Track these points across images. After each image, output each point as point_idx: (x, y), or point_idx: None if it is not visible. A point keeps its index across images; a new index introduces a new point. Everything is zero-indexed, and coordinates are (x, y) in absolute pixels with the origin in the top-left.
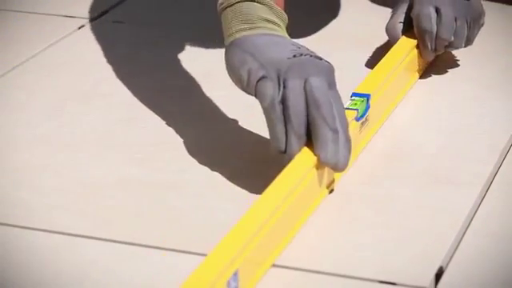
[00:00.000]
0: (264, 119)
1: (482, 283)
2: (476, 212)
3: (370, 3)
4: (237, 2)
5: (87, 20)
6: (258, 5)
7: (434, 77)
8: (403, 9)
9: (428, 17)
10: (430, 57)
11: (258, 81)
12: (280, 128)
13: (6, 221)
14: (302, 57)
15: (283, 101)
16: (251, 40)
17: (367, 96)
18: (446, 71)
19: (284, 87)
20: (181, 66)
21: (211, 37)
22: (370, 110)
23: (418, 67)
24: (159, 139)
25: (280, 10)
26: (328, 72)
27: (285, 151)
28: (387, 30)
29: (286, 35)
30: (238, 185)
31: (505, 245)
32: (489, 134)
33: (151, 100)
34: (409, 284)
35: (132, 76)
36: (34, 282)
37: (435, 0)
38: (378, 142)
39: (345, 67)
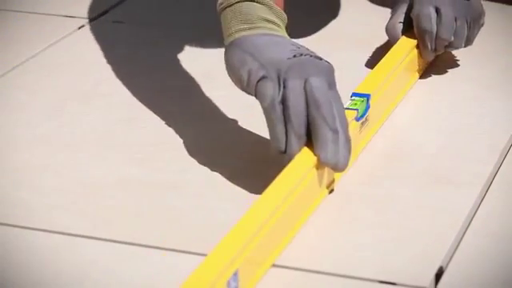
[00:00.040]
0: (264, 119)
1: (482, 283)
2: (476, 212)
3: (370, 3)
4: (236, 2)
5: (87, 20)
6: (258, 5)
7: (433, 77)
8: (403, 9)
9: (428, 17)
10: (430, 57)
11: (258, 81)
12: (280, 128)
13: (6, 221)
14: (302, 57)
15: (283, 101)
16: (251, 40)
17: (367, 96)
18: (446, 71)
19: (284, 87)
20: (181, 66)
21: (211, 37)
22: (370, 109)
23: (418, 67)
24: (159, 139)
25: (279, 9)
26: (328, 72)
27: (285, 151)
28: (387, 30)
29: (286, 35)
30: (238, 185)
31: (505, 245)
32: (489, 134)
33: (151, 100)
34: (409, 284)
35: (132, 76)
36: (33, 281)
37: (435, 0)
38: (378, 142)
39: (345, 67)
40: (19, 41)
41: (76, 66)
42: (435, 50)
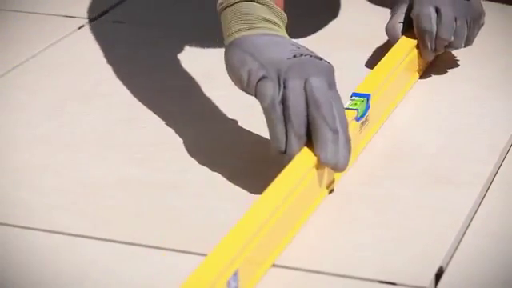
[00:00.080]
0: (264, 119)
1: (482, 283)
2: (476, 212)
3: (369, 3)
4: (236, 2)
5: (87, 20)
6: (258, 5)
7: (433, 77)
8: (403, 9)
9: (428, 17)
10: (430, 57)
11: (258, 81)
12: (280, 128)
13: (6, 221)
14: (302, 57)
15: (283, 101)
16: (251, 40)
17: (367, 96)
18: (446, 71)
19: (284, 87)
20: (181, 66)
21: (211, 37)
22: (370, 109)
23: (418, 67)
24: (159, 139)
25: (280, 9)
26: (328, 72)
27: (285, 151)
28: (387, 30)
29: (286, 35)
30: (238, 185)
31: (505, 245)
32: (489, 134)
33: (151, 100)
34: (409, 284)
35: (132, 76)
36: (33, 281)
37: (435, 0)
38: (378, 142)
39: (345, 67)
40: (19, 41)
41: (76, 66)
42: (435, 50)
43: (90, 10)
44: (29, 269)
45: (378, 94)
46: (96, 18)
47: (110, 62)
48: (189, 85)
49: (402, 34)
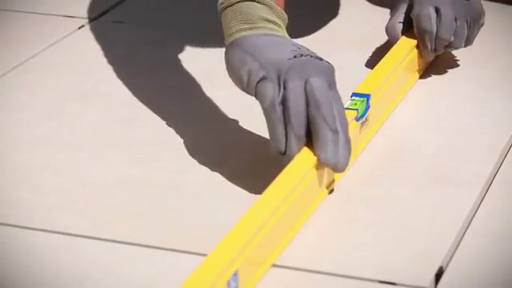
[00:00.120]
0: (264, 119)
1: (482, 283)
2: (476, 212)
3: (369, 3)
4: (237, 2)
5: (87, 20)
6: (258, 5)
7: (433, 77)
8: (403, 9)
9: (428, 17)
10: (430, 57)
11: (258, 81)
12: (280, 129)
13: (6, 221)
14: (303, 57)
15: (283, 102)
16: (251, 40)
17: (367, 96)
18: (446, 71)
19: (284, 88)
20: (181, 66)
21: (211, 37)
22: (370, 109)
23: (418, 67)
24: (159, 139)
25: (280, 9)
26: (328, 72)
27: (284, 152)
28: (387, 30)
29: (287, 35)
30: (238, 185)
31: (505, 245)
32: (489, 134)
33: (151, 100)
34: (409, 284)
35: (132, 76)
36: (33, 281)
37: (435, 0)
38: (378, 142)
39: (345, 67)
40: (19, 41)
41: (76, 66)
42: (435, 49)
43: (90, 9)
44: (29, 269)
45: (378, 94)
46: (96, 17)
47: (110, 61)
48: (189, 85)
49: (402, 34)
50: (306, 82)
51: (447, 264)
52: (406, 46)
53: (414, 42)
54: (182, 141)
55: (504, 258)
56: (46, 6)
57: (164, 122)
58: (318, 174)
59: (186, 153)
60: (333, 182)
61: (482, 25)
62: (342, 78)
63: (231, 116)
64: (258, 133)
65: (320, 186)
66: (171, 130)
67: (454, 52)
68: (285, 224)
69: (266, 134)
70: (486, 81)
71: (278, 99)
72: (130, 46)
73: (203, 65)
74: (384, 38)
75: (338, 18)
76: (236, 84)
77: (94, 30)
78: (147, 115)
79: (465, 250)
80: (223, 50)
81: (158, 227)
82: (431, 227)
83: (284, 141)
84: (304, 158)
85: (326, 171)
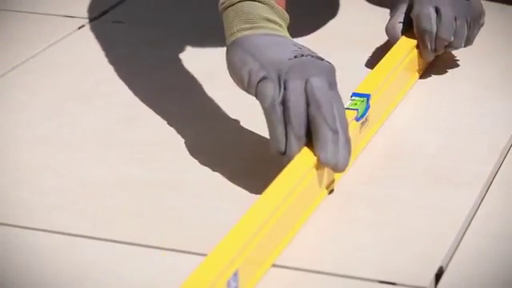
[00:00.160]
0: (265, 119)
1: (482, 283)
2: (476, 212)
3: (368, 3)
4: (238, 2)
5: (87, 20)
6: (259, 4)
7: (433, 77)
8: (403, 9)
9: (428, 17)
10: (430, 57)
11: (258, 81)
12: (280, 129)
13: (6, 221)
14: (303, 57)
15: (284, 102)
16: (252, 40)
17: (367, 96)
18: (446, 71)
19: (284, 88)
20: (181, 66)
21: (211, 37)
22: (370, 109)
23: (418, 67)
24: (159, 139)
25: (281, 9)
26: (329, 72)
27: (284, 152)
28: (387, 30)
29: (288, 35)
30: (238, 185)
31: (505, 245)
32: (489, 134)
33: (151, 100)
34: (409, 284)
35: (132, 76)
36: (33, 281)
37: (435, 0)
38: (378, 142)
39: (345, 67)
40: (19, 41)
41: (76, 66)
42: (435, 50)
43: (90, 9)
44: (29, 269)
45: (378, 94)
46: (96, 17)
47: (110, 61)
48: (189, 84)
49: (402, 34)
50: (306, 82)
51: (447, 264)
52: (405, 46)
53: (414, 41)
54: (182, 141)
55: (504, 258)
56: (46, 5)
57: (164, 122)
58: (318, 174)
59: (187, 153)
60: (333, 182)
61: (482, 25)
62: (342, 78)
63: (232, 116)
64: (258, 133)
65: (320, 186)
66: (171, 130)
67: (454, 52)
68: (285, 224)
69: (266, 134)
70: (486, 81)
71: (279, 99)
72: (130, 46)
73: (203, 64)
74: (384, 38)
75: (337, 18)
76: (237, 84)
77: (94, 29)
78: (147, 115)
79: (465, 250)
80: (224, 49)
81: (158, 227)
82: (431, 227)
83: (284, 141)
84: (304, 158)
85: (326, 171)
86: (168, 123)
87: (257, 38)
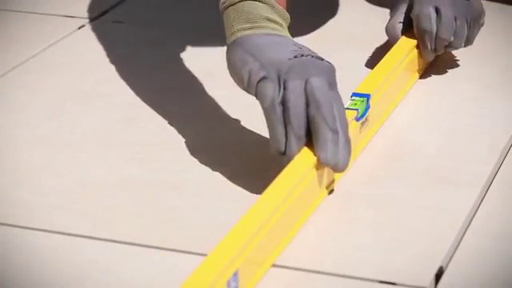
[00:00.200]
0: (265, 119)
1: (482, 283)
2: (476, 212)
3: (368, 3)
4: (239, 1)
5: (87, 20)
6: (260, 4)
7: (433, 77)
8: (403, 9)
9: (428, 17)
10: (430, 57)
11: (258, 81)
12: (280, 129)
13: (6, 221)
14: (303, 57)
15: (283, 102)
16: (253, 40)
17: (367, 96)
18: (446, 71)
19: (284, 88)
20: (181, 66)
21: (211, 37)
22: (370, 110)
23: (418, 67)
24: (159, 139)
25: (282, 9)
26: (329, 72)
27: (284, 152)
28: (387, 30)
29: (288, 35)
30: (239, 185)
31: (505, 245)
32: (489, 134)
33: (151, 100)
34: (409, 284)
35: (132, 76)
36: (33, 282)
37: (435, 0)
38: (378, 142)
39: (345, 67)
40: (19, 41)
41: (76, 66)
42: (435, 50)
43: (90, 9)
44: (29, 269)
45: (378, 94)
46: (96, 17)
47: (110, 61)
48: (189, 84)
49: (402, 34)
50: (306, 82)
51: (447, 264)
52: (405, 46)
53: (414, 41)
54: (182, 141)
55: (504, 258)
56: (46, 5)
57: (164, 122)
58: (317, 174)
59: (187, 153)
60: (333, 182)
61: (482, 25)
62: (342, 78)
63: (232, 116)
64: (259, 132)
65: (320, 186)
66: (171, 130)
67: (454, 52)
68: (285, 224)
69: (266, 134)
70: (486, 81)
71: (278, 99)
72: (130, 46)
73: (204, 64)
74: (384, 38)
75: (337, 18)
76: (237, 84)
77: (94, 29)
78: (147, 115)
79: (465, 250)
80: (224, 49)
81: (158, 227)
82: (431, 227)
83: (284, 141)
84: (304, 158)
85: (326, 171)
86: (168, 123)
87: (257, 37)
